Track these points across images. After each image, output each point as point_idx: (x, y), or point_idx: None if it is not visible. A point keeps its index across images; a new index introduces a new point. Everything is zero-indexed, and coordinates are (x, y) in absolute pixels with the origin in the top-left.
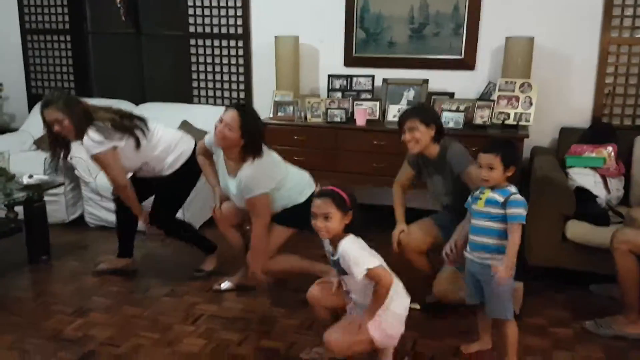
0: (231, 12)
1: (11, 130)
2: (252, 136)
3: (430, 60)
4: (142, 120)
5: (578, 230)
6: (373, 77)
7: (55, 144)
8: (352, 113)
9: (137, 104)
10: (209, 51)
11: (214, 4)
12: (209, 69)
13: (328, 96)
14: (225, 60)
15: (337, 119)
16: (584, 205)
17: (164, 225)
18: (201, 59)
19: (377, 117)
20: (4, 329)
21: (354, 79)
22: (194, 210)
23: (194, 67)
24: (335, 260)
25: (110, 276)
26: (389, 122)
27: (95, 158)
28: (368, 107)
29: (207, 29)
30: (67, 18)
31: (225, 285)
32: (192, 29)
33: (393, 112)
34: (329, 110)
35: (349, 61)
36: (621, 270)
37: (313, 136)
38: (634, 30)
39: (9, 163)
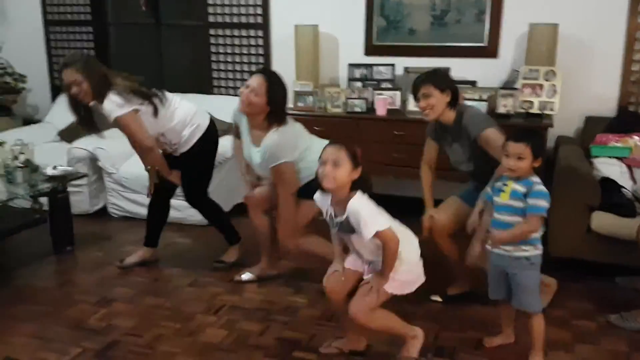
0: (250, 1)
1: (35, 122)
2: (277, 103)
3: (452, 48)
4: (160, 90)
5: (603, 221)
6: (394, 65)
7: (75, 107)
8: (373, 103)
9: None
10: (228, 41)
11: None
12: (229, 59)
13: (348, 86)
14: (244, 50)
15: (357, 109)
16: (610, 195)
17: (198, 204)
18: (221, 49)
19: (397, 107)
20: (28, 318)
21: (374, 68)
22: (218, 197)
23: (213, 57)
24: (340, 221)
25: (134, 267)
26: (410, 111)
27: (118, 121)
28: (388, 96)
29: (227, 19)
30: (89, 9)
31: (246, 276)
32: (211, 19)
33: (414, 102)
34: (349, 100)
35: (370, 50)
36: None
37: (333, 126)
38: None
39: (33, 154)
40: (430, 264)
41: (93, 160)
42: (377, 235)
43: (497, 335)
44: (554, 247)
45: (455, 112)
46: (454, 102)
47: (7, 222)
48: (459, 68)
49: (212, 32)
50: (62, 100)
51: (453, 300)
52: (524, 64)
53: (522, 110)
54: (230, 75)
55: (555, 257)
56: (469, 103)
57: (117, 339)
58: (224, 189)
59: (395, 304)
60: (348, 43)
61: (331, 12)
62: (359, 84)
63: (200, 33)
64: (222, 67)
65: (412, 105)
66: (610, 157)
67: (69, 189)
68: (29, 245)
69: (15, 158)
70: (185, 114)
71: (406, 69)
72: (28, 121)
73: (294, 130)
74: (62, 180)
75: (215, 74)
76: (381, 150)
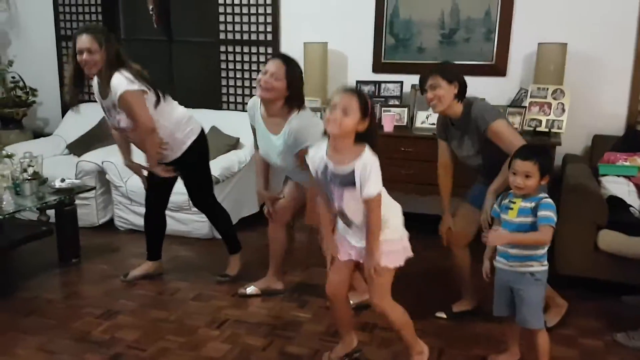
0: (261, 19)
1: (45, 135)
2: (297, 86)
3: (460, 66)
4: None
5: (610, 240)
6: (402, 83)
7: (76, 75)
8: (380, 119)
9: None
10: (238, 57)
11: (244, 11)
12: (238, 75)
13: None
14: (254, 67)
15: None
16: (617, 214)
17: (205, 208)
18: (231, 65)
19: (405, 124)
20: (34, 330)
21: (383, 85)
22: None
23: (223, 74)
24: (340, 173)
25: (138, 280)
26: (417, 128)
27: (126, 96)
28: (396, 113)
29: (237, 36)
30: (101, 25)
31: (250, 290)
32: (222, 36)
33: (421, 119)
34: None
35: (378, 67)
36: None
37: None
38: None
39: (42, 167)
40: (435, 281)
41: (101, 173)
42: (375, 198)
43: (502, 353)
44: (561, 265)
45: (462, 105)
46: (461, 95)
47: (14, 233)
48: (468, 86)
49: (222, 48)
50: (72, 114)
51: (458, 317)
52: (532, 82)
53: (530, 128)
54: (240, 91)
55: (562, 275)
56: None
57: (121, 351)
58: (231, 203)
59: None
60: (356, 60)
61: (340, 30)
62: None
63: (211, 49)
64: (231, 83)
65: (419, 122)
66: (618, 175)
67: (77, 201)
68: (35, 257)
69: (24, 170)
70: (181, 116)
71: (414, 87)
72: (38, 134)
73: (311, 113)
74: (69, 193)
75: (225, 90)
76: (389, 167)
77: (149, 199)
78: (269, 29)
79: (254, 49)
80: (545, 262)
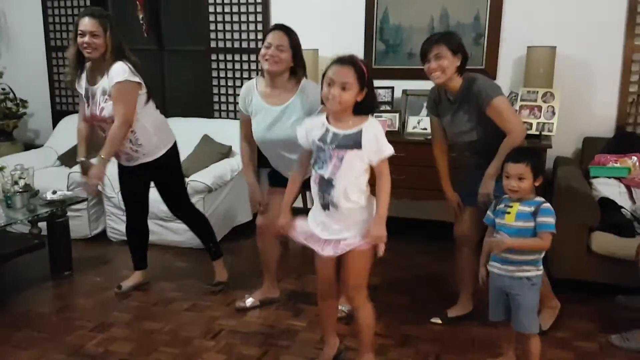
0: (252, 27)
1: (36, 147)
2: (300, 54)
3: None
4: None
5: (603, 241)
6: (393, 88)
7: (77, 58)
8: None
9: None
10: (229, 65)
11: (235, 19)
12: (230, 83)
13: None
14: (245, 75)
15: None
16: (609, 216)
17: (182, 214)
18: (222, 74)
19: (396, 129)
20: (27, 345)
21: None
22: (217, 220)
23: (214, 82)
24: (344, 134)
25: (131, 291)
26: (409, 133)
27: (123, 85)
28: (388, 118)
29: (228, 44)
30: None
31: (249, 302)
32: (213, 44)
33: (413, 124)
34: None
35: (369, 73)
36: None
37: None
38: None
39: (34, 179)
40: (429, 286)
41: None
42: (385, 160)
43: (498, 357)
44: (554, 267)
45: (462, 79)
46: (462, 68)
47: (6, 247)
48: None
49: (213, 56)
50: (63, 125)
51: (453, 322)
52: (522, 85)
53: None
54: (232, 99)
55: (555, 278)
56: None
57: None
58: (224, 211)
59: (395, 326)
60: None
61: (331, 37)
62: None
63: (202, 58)
64: (223, 91)
65: (411, 128)
66: (609, 177)
67: (69, 213)
68: (27, 270)
69: (15, 183)
70: (160, 121)
71: (405, 92)
72: (29, 146)
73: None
74: (61, 205)
75: (216, 98)
76: None
77: (129, 209)
78: (260, 37)
79: (245, 57)
80: (541, 267)
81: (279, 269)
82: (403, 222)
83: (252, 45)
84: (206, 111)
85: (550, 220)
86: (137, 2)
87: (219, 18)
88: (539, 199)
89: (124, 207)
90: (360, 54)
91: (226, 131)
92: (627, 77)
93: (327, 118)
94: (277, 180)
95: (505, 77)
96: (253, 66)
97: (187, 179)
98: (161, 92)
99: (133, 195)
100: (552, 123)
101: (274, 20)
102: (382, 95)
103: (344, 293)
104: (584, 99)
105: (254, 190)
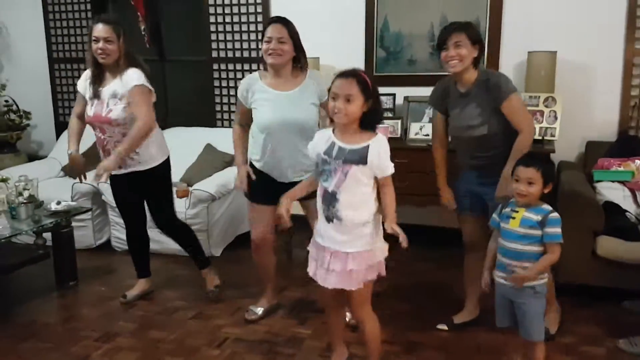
0: (252, 36)
1: (40, 158)
2: (300, 44)
3: None
4: None
5: (608, 245)
6: (394, 95)
7: (94, 61)
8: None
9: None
10: (231, 75)
11: (236, 28)
12: (232, 92)
13: None
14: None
15: None
16: (614, 220)
17: (171, 228)
18: (224, 83)
19: (399, 135)
20: (32, 355)
21: None
22: (220, 229)
23: (216, 91)
24: (350, 148)
25: (136, 300)
26: (411, 139)
27: (139, 90)
28: (390, 125)
29: (230, 54)
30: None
31: (259, 312)
32: (214, 54)
33: (415, 130)
34: None
35: (373, 84)
36: None
37: None
38: None
39: (38, 190)
40: (434, 293)
41: (97, 194)
42: (389, 176)
43: None
44: (559, 272)
45: (477, 72)
46: (477, 61)
47: (11, 258)
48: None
49: (215, 66)
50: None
51: (459, 328)
52: (524, 91)
53: None
54: (233, 108)
55: (561, 283)
56: None
57: None
58: (228, 220)
59: (400, 333)
60: None
61: (332, 44)
62: None
63: (204, 68)
64: (225, 100)
65: (413, 134)
66: (612, 181)
67: (73, 223)
68: (32, 281)
69: (20, 194)
70: (160, 133)
71: (406, 98)
72: (33, 157)
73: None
74: (65, 216)
75: (218, 107)
76: None
77: (125, 218)
78: (261, 46)
79: (246, 66)
80: (546, 275)
81: (278, 278)
82: (406, 229)
83: (253, 54)
84: (208, 120)
85: (559, 230)
86: (139, 14)
87: (220, 28)
88: (547, 207)
89: None
90: (361, 61)
91: (229, 140)
92: (628, 80)
93: (333, 131)
94: (260, 197)
95: None
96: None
97: (190, 188)
98: (163, 102)
99: (127, 204)
100: (555, 128)
101: None
102: (384, 102)
103: (347, 307)
104: (585, 103)
105: (241, 168)
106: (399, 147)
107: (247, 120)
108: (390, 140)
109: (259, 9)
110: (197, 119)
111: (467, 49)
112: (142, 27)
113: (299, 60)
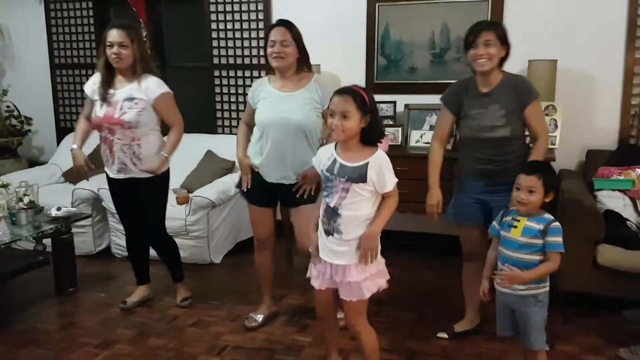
0: (254, 43)
1: (40, 164)
2: (304, 46)
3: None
4: None
5: (609, 254)
6: (395, 103)
7: (106, 65)
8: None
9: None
10: (232, 82)
11: (237, 35)
12: (233, 99)
13: None
14: (248, 91)
15: None
16: (614, 228)
17: (152, 237)
18: (225, 90)
19: (399, 143)
20: None
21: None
22: (221, 235)
23: (218, 98)
24: (350, 166)
25: (136, 307)
26: (412, 147)
27: (166, 97)
28: (390, 133)
29: (231, 60)
30: (94, 53)
31: (259, 319)
32: (216, 61)
33: (415, 138)
34: None
35: (371, 88)
36: None
37: None
38: None
39: (38, 196)
40: (435, 301)
41: (97, 200)
42: (394, 188)
43: None
44: (560, 281)
45: (502, 74)
46: (503, 62)
47: (10, 264)
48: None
49: (216, 73)
50: (67, 142)
51: (460, 336)
52: None
53: None
54: (235, 115)
55: (561, 291)
56: None
57: None
58: (228, 227)
59: (400, 341)
60: (349, 81)
61: (332, 52)
62: None
63: (205, 74)
64: (226, 107)
65: (413, 142)
66: (613, 189)
67: (73, 229)
68: (31, 287)
69: (20, 200)
70: (163, 141)
71: (407, 106)
72: (33, 163)
73: None
74: (65, 222)
75: (219, 114)
76: None
77: (125, 224)
78: (262, 52)
79: (247, 73)
80: (547, 284)
81: (275, 284)
82: (407, 236)
83: (255, 61)
84: (209, 127)
85: (560, 240)
86: (141, 20)
87: (222, 35)
88: (548, 216)
89: None
90: (362, 69)
91: (229, 147)
92: (628, 89)
93: (335, 147)
94: (257, 199)
95: None
96: None
97: (190, 195)
98: None
99: (126, 210)
100: (555, 136)
101: None
102: (385, 109)
103: (344, 319)
104: (586, 111)
105: (243, 163)
106: (399, 155)
107: (253, 121)
108: (390, 147)
109: (261, 16)
110: (197, 125)
111: (496, 48)
112: (144, 34)
113: (304, 62)
